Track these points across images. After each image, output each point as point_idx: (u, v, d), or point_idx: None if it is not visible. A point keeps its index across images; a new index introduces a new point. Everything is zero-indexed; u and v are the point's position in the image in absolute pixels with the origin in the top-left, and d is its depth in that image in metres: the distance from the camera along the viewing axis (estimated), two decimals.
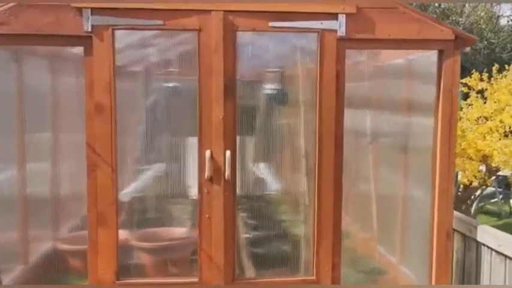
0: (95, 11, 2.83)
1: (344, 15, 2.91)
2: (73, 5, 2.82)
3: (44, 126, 3.66)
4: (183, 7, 2.84)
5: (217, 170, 2.93)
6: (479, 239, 3.17)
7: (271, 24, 2.89)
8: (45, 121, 3.67)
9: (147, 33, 3.10)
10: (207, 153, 2.91)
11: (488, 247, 3.11)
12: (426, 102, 3.21)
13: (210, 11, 2.86)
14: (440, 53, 3.04)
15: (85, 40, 2.86)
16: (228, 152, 2.92)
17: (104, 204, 2.93)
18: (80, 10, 2.83)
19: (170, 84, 3.55)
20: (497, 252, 3.02)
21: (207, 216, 2.97)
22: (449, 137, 3.05)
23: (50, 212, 3.77)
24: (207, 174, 2.92)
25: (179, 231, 4.12)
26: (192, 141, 3.11)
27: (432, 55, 3.16)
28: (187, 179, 3.44)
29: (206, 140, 2.93)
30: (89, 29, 2.84)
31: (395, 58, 3.70)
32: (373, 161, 3.62)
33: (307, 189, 3.35)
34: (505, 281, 2.98)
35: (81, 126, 2.98)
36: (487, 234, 3.15)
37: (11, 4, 2.79)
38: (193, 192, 3.07)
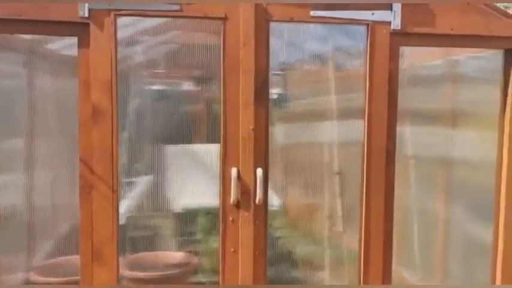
0: None
1: (399, 4, 2.40)
2: None
3: (16, 132, 3.03)
4: None
5: (245, 192, 2.36)
6: None
7: (312, 13, 2.36)
8: (19, 126, 3.04)
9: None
10: (233, 171, 2.33)
11: None
12: (481, 112, 2.74)
13: None
14: (508, 52, 2.56)
15: (80, 28, 2.26)
16: (259, 170, 2.35)
17: (101, 236, 2.31)
18: None
19: (154, 87, 3.00)
20: None
21: (232, 250, 2.38)
22: None
23: (21, 232, 3.14)
24: (233, 198, 2.33)
25: (178, 256, 3.55)
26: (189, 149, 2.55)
27: (489, 56, 2.70)
28: (181, 192, 2.88)
29: (231, 155, 2.35)
30: (86, 15, 2.23)
31: (431, 59, 3.21)
32: (416, 181, 3.10)
33: (340, 212, 2.82)
34: None
35: (61, 133, 2.39)
36: None
37: None
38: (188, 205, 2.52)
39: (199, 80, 2.64)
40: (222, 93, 2.33)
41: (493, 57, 2.71)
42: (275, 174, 2.47)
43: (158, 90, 2.63)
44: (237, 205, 2.36)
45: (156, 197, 3.00)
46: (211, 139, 2.58)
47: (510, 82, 2.56)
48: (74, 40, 2.31)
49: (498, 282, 2.62)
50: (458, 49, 2.89)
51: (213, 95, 2.48)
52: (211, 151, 2.65)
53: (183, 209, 3.36)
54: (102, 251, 2.31)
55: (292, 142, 2.64)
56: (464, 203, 2.87)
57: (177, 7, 2.28)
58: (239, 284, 2.37)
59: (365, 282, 2.48)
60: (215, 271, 2.73)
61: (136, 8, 2.26)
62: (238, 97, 2.33)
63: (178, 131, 2.66)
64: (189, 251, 3.52)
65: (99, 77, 2.26)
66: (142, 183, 3.30)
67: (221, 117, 2.34)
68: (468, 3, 2.46)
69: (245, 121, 2.33)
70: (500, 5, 2.43)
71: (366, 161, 2.45)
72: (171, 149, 2.94)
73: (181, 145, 2.86)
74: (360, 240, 2.50)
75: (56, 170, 3.29)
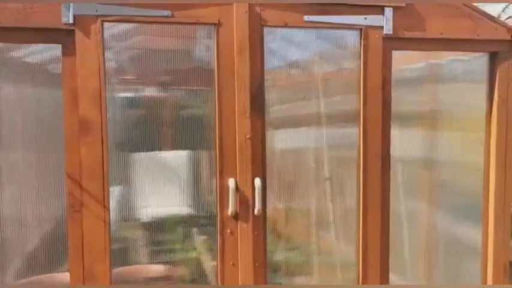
0: None
1: (391, 9, 2.39)
2: None
3: None
4: None
5: (243, 203, 2.28)
6: None
7: (306, 18, 2.31)
8: None
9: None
10: (231, 182, 2.25)
11: None
12: (466, 115, 2.79)
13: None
14: (493, 55, 2.61)
15: (64, 35, 2.11)
16: (257, 180, 2.28)
17: (93, 257, 2.17)
18: None
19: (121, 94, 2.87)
20: None
21: (231, 263, 2.30)
22: (505, 157, 2.62)
23: None
24: (231, 209, 2.25)
25: (157, 269, 3.42)
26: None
27: (471, 59, 2.74)
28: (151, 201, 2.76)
29: (228, 165, 2.27)
30: (70, 21, 2.09)
31: (414, 62, 3.22)
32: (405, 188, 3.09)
33: (332, 218, 2.78)
34: None
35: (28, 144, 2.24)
36: None
37: None
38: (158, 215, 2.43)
39: (165, 86, 2.51)
40: (217, 101, 2.24)
41: (475, 60, 2.76)
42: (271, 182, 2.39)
43: (125, 97, 2.50)
44: (235, 216, 2.28)
45: (125, 207, 2.83)
46: (179, 146, 2.48)
47: (496, 84, 2.61)
48: (38, 47, 2.17)
49: (489, 282, 2.66)
50: (438, 52, 2.92)
51: (181, 100, 2.38)
52: (180, 158, 2.55)
53: (153, 219, 3.24)
54: (94, 270, 2.17)
55: (286, 148, 2.58)
56: (450, 205, 2.90)
57: (167, 13, 2.17)
58: None
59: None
60: (196, 281, 2.65)
61: (125, 14, 2.14)
62: (234, 105, 2.25)
63: (145, 139, 2.51)
64: (167, 263, 3.40)
65: (87, 87, 2.13)
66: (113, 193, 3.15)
67: (216, 126, 2.25)
68: (456, 7, 2.48)
69: (241, 130, 2.25)
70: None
71: (362, 165, 2.43)
72: (139, 157, 2.78)
73: (148, 153, 2.73)
74: (357, 245, 2.47)
75: (26, 183, 3.10)
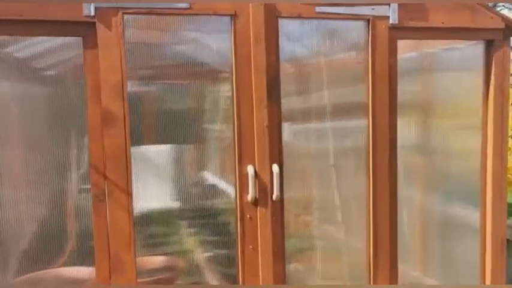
0: None
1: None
2: None
3: None
4: None
5: (262, 189, 2.36)
6: None
7: (318, 9, 2.39)
8: None
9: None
10: (250, 169, 2.33)
11: None
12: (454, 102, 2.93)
13: None
14: (489, 43, 2.75)
15: (85, 28, 2.14)
16: (275, 167, 2.36)
17: (119, 246, 2.22)
18: None
19: None
20: None
21: (250, 247, 2.38)
22: (501, 140, 2.77)
23: None
24: (251, 195, 2.33)
25: (162, 260, 3.47)
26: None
27: (466, 48, 2.88)
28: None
29: (246, 153, 2.34)
30: (92, 13, 2.12)
31: (406, 51, 3.34)
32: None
33: (339, 203, 2.89)
34: None
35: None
36: None
37: None
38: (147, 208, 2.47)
39: (147, 80, 2.53)
40: (235, 91, 2.31)
41: (469, 48, 2.89)
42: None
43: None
44: (254, 202, 2.36)
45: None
46: (161, 140, 2.53)
47: (492, 71, 2.75)
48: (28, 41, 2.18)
49: (488, 262, 2.81)
50: (430, 42, 3.03)
51: (162, 94, 2.42)
52: (162, 152, 2.60)
53: (142, 213, 3.27)
54: (121, 260, 2.22)
55: (298, 139, 2.67)
56: (448, 188, 3.04)
57: (185, 5, 2.22)
58: (260, 284, 2.38)
59: (375, 274, 2.58)
60: (194, 272, 2.72)
61: (145, 6, 2.18)
62: (251, 94, 2.32)
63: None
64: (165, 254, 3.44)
65: (109, 80, 2.16)
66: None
67: (234, 115, 2.32)
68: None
69: (259, 118, 2.33)
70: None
71: (371, 153, 2.53)
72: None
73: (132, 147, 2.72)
74: (368, 229, 2.59)
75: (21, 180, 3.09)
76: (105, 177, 2.19)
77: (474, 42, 2.80)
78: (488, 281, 2.83)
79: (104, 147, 2.18)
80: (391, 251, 2.61)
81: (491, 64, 2.75)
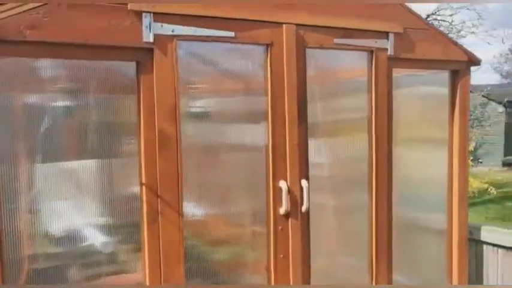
0: (157, 17, 2.21)
1: (393, 35, 2.90)
2: (131, 8, 2.15)
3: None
4: (257, 17, 2.44)
5: (293, 202, 2.60)
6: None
7: (336, 41, 2.71)
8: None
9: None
10: (283, 184, 2.56)
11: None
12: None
13: (282, 23, 2.52)
14: (455, 73, 3.28)
15: (143, 53, 2.21)
16: (304, 182, 2.61)
17: (170, 265, 2.31)
18: (138, 15, 2.18)
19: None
20: None
21: (281, 256, 2.60)
22: (464, 154, 3.32)
23: None
24: (284, 208, 2.56)
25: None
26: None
27: (430, 75, 3.38)
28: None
29: (279, 169, 2.57)
30: (150, 40, 2.20)
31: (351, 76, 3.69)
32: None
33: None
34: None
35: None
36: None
37: (44, 2, 1.98)
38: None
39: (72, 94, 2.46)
40: (270, 111, 2.53)
41: (433, 76, 3.40)
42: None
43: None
44: (286, 215, 2.59)
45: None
46: (87, 155, 2.51)
47: (457, 97, 3.28)
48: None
49: (455, 257, 3.34)
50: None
51: (87, 109, 2.30)
52: (88, 168, 2.52)
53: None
54: (171, 278, 2.31)
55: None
56: (416, 195, 3.52)
57: (232, 34, 2.39)
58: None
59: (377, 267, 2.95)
60: None
61: (197, 34, 2.31)
62: (284, 115, 2.55)
63: (50, 148, 2.44)
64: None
65: (164, 103, 2.25)
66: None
67: (269, 134, 2.53)
68: (434, 34, 3.09)
69: (291, 136, 2.57)
70: None
71: (374, 163, 2.90)
72: (47, 168, 2.59)
73: (56, 163, 2.56)
74: (370, 232, 2.95)
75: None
76: (157, 196, 2.27)
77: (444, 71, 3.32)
78: (455, 273, 3.36)
79: (158, 167, 2.26)
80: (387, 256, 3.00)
81: (456, 89, 3.28)
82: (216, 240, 2.66)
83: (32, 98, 2.24)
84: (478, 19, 16.16)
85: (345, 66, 2.95)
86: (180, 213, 2.32)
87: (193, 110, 2.50)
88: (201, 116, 2.56)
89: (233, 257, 2.69)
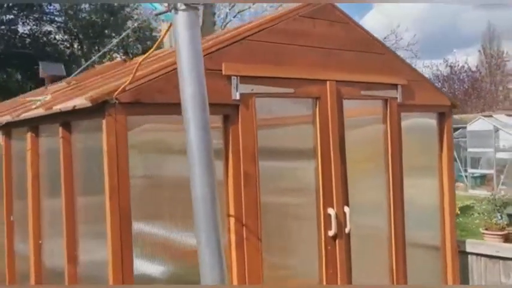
0: (241, 79, 2.74)
1: (400, 86, 3.60)
2: (225, 73, 2.67)
3: None
4: (310, 76, 3.04)
5: (339, 226, 3.15)
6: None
7: (363, 92, 3.35)
8: None
9: None
10: (331, 211, 3.11)
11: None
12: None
13: (326, 80, 3.13)
14: (441, 115, 4.04)
15: (231, 108, 2.72)
16: (346, 208, 3.19)
17: (252, 282, 2.77)
18: (228, 78, 2.69)
19: None
20: None
21: (330, 271, 3.13)
22: (451, 179, 4.06)
23: None
24: (333, 232, 3.10)
25: None
26: None
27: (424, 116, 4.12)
28: None
29: (327, 198, 3.13)
30: (237, 97, 2.72)
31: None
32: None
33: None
34: None
35: None
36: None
37: (165, 70, 2.46)
38: None
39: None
40: (320, 151, 3.09)
41: (420, 117, 4.14)
42: None
43: None
44: (333, 236, 3.14)
45: None
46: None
47: (444, 137, 4.03)
48: None
49: (449, 264, 4.02)
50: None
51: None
52: None
53: None
54: None
55: None
56: (414, 216, 4.20)
57: (291, 90, 2.96)
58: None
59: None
60: None
61: (268, 91, 2.86)
62: (330, 153, 3.13)
63: None
64: None
65: (247, 149, 2.76)
66: None
67: (319, 167, 3.09)
68: (426, 84, 3.83)
69: (336, 169, 3.15)
70: None
71: (391, 194, 3.54)
72: None
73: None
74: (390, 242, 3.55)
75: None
76: (242, 224, 2.75)
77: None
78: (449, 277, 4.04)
79: (242, 200, 2.75)
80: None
81: (444, 129, 4.04)
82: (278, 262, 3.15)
83: None
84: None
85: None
86: (260, 239, 2.81)
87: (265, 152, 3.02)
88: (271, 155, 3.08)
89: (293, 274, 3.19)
